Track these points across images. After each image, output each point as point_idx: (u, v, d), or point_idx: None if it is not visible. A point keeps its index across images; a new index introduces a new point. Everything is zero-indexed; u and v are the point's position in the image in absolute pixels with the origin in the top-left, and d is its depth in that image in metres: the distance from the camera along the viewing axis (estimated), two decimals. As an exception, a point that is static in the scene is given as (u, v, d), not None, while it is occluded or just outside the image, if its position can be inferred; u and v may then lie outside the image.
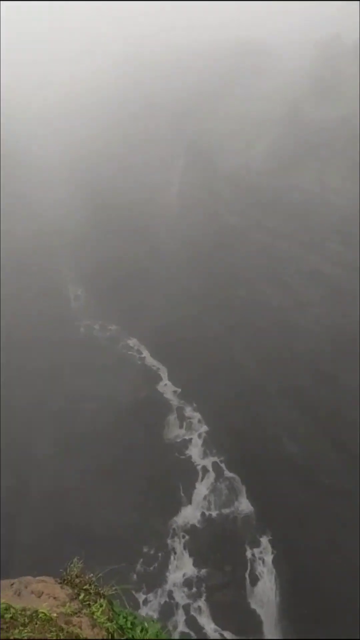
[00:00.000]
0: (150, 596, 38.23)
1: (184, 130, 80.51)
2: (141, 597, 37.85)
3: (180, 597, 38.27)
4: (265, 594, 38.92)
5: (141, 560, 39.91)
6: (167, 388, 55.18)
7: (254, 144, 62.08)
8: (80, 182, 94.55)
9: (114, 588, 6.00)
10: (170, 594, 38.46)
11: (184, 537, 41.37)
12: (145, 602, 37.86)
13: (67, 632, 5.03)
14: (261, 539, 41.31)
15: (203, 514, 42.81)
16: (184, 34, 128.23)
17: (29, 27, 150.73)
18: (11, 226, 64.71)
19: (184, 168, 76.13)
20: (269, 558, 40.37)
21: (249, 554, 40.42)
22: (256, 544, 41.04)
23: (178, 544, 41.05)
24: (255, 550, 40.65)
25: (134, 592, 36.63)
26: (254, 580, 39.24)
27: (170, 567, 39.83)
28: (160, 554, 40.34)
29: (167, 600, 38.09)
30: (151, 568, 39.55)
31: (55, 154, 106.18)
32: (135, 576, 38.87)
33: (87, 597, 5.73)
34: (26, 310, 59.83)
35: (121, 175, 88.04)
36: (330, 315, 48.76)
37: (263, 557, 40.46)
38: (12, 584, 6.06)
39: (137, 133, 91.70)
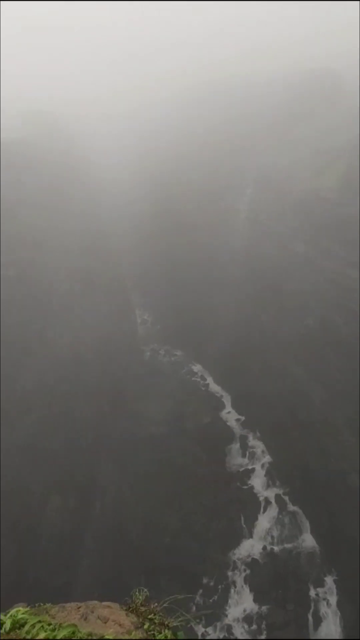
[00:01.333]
0: (209, 630, 37.30)
1: (254, 157, 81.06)
2: (200, 629, 37.02)
3: (240, 633, 37.08)
4: (328, 635, 37.01)
5: (200, 591, 39.17)
6: (230, 416, 54.70)
7: (324, 172, 61.48)
8: (149, 206, 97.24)
9: (179, 619, 5.98)
10: (229, 629, 37.38)
11: (244, 570, 40.27)
12: (204, 635, 36.97)
13: (133, 660, 5.06)
14: (326, 579, 39.51)
15: (264, 548, 41.60)
16: (259, 61, 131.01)
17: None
18: (82, 244, 66.93)
19: (253, 195, 76.43)
20: (333, 599, 38.49)
21: (312, 593, 38.71)
22: (320, 583, 39.28)
23: (239, 577, 40.02)
24: (320, 590, 38.89)
25: (193, 625, 35.89)
26: (317, 621, 37.42)
27: (230, 601, 38.83)
28: (220, 587, 39.46)
29: (226, 635, 37.02)
30: (210, 600, 38.69)
31: (124, 178, 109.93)
32: (194, 608, 38.13)
33: (152, 626, 5.77)
34: (94, 332, 61.42)
35: (190, 201, 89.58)
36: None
37: (327, 597, 38.62)
38: (79, 607, 6.19)
39: (207, 159, 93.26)
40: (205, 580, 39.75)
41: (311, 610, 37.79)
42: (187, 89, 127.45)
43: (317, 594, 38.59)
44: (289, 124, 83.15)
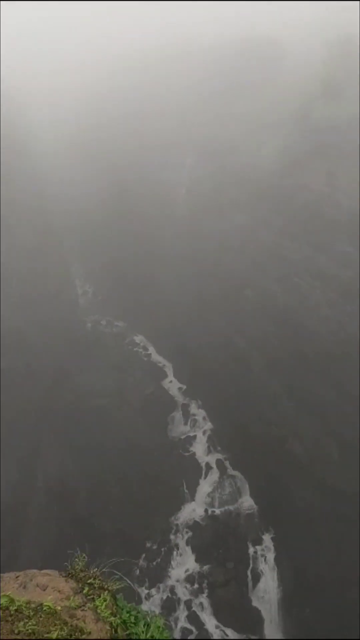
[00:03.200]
0: (153, 591, 38.52)
1: (193, 130, 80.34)
2: (144, 592, 38.16)
3: (183, 593, 38.53)
4: (266, 591, 39.11)
5: (144, 555, 40.23)
6: (172, 385, 55.39)
7: (263, 144, 61.92)
8: (89, 176, 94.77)
9: (117, 582, 6.14)
10: (172, 590, 38.74)
11: (186, 533, 41.62)
12: (148, 597, 38.16)
13: (71, 625, 5.18)
14: (264, 537, 41.50)
15: (206, 511, 43.04)
16: (188, 30, 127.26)
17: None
18: (16, 219, 64.85)
19: (193, 167, 76.06)
20: (271, 556, 40.55)
21: (251, 551, 40.62)
22: (259, 541, 41.23)
23: (181, 540, 41.32)
24: (258, 548, 40.85)
25: (136, 587, 36.94)
26: (256, 577, 39.43)
27: (173, 563, 40.12)
28: (163, 550, 40.64)
29: (170, 595, 38.37)
30: (154, 563, 39.84)
31: (62, 143, 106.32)
32: (137, 571, 39.19)
33: (92, 591, 5.87)
34: (32, 306, 60.04)
35: (130, 172, 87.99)
36: (338, 318, 48.66)
37: (265, 554, 40.64)
38: (17, 577, 6.22)
39: (145, 131, 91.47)
40: (148, 545, 40.81)
41: (250, 567, 39.72)
42: (120, 57, 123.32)
43: (255, 552, 40.55)
44: (229, 96, 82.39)
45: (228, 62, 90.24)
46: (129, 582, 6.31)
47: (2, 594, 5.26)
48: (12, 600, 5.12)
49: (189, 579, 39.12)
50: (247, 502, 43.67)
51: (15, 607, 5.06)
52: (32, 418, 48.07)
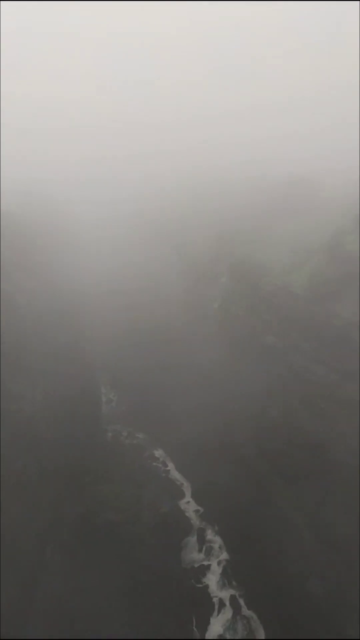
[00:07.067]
0: None
1: (230, 250, 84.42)
2: None
3: None
4: None
5: None
6: (189, 506, 52.94)
7: (296, 269, 64.28)
8: (117, 290, 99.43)
9: None
10: None
11: None
12: None
13: None
14: None
15: (215, 657, 38.93)
16: (242, 168, 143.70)
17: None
18: (50, 323, 67.25)
19: (227, 285, 78.85)
20: None
21: None
22: None
23: None
24: None
25: None
26: None
27: None
28: None
29: None
30: None
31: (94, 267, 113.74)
32: None
33: None
34: (57, 409, 60.18)
35: (161, 287, 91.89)
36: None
37: None
38: None
39: (190, 251, 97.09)
40: None
41: None
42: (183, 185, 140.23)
43: None
44: (269, 222, 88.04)
45: (270, 196, 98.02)
46: None
47: None
48: None
49: None
50: (261, 651, 39.40)
51: None
52: (39, 530, 46.15)
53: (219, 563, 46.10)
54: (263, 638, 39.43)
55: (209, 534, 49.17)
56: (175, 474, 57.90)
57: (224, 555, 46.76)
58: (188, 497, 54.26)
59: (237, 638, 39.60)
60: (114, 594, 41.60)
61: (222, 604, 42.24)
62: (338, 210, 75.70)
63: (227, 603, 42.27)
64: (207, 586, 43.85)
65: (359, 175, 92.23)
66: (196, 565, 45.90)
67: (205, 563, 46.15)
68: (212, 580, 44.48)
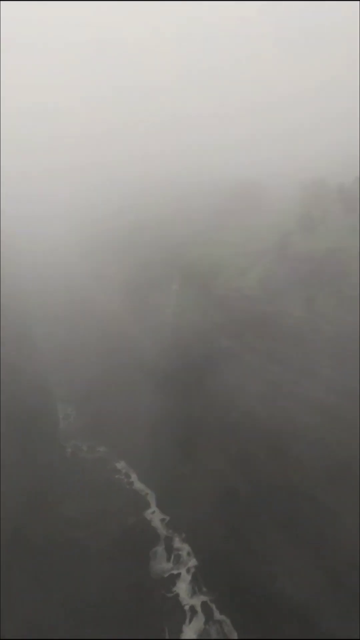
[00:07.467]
0: None
1: (181, 257, 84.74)
2: None
3: None
4: None
5: None
6: (155, 516, 52.12)
7: (247, 272, 65.01)
8: (73, 301, 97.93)
9: None
10: None
11: None
12: None
13: None
14: None
15: (190, 666, 38.16)
16: (187, 173, 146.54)
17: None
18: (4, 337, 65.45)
19: (179, 291, 78.95)
20: None
21: None
22: None
23: None
24: None
25: None
26: None
27: None
28: None
29: None
30: None
31: (50, 278, 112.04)
32: None
33: None
34: (11, 433, 58.38)
35: (113, 296, 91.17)
36: (326, 442, 47.61)
37: None
38: None
39: (137, 257, 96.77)
40: None
41: None
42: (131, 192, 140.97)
43: None
44: (220, 224, 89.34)
45: (217, 200, 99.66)
46: None
47: None
48: None
49: None
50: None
51: None
52: (2, 557, 44.33)
53: (188, 570, 45.46)
54: (237, 641, 39.03)
55: (177, 542, 48.51)
56: (139, 485, 57.00)
57: (193, 562, 46.18)
58: (153, 507, 53.45)
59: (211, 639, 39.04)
60: (83, 611, 40.32)
61: (193, 611, 41.59)
62: (283, 212, 77.40)
63: (199, 610, 41.66)
64: (177, 595, 43.12)
65: (300, 178, 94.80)
66: (166, 575, 45.11)
67: (175, 572, 45.44)
68: (183, 588, 43.80)
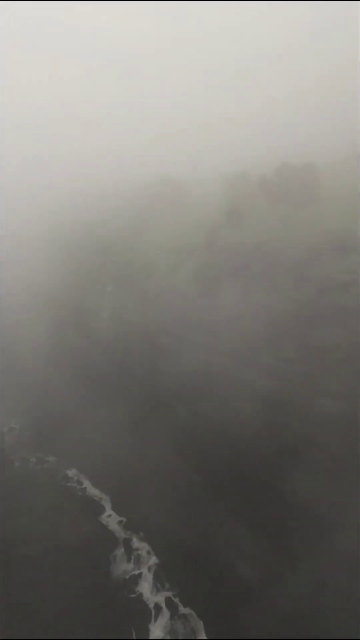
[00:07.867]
0: None
1: (112, 258, 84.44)
2: None
3: None
4: None
5: None
6: (111, 519, 52.09)
7: (179, 268, 65.83)
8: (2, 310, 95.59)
9: None
10: None
11: None
12: None
13: None
14: None
15: (160, 662, 38.67)
16: (108, 171, 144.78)
17: None
18: None
19: (114, 293, 78.77)
20: None
21: None
22: None
23: None
24: None
25: None
26: None
27: None
28: None
29: None
30: None
31: None
32: None
33: None
34: None
35: (50, 302, 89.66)
36: (269, 429, 49.26)
37: None
38: None
39: (66, 262, 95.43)
40: None
41: None
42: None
43: None
44: (147, 223, 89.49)
45: (142, 198, 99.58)
46: None
47: None
48: None
49: None
50: (203, 643, 39.74)
51: None
52: None
53: (149, 569, 45.85)
54: (203, 631, 39.91)
55: (135, 542, 48.75)
56: (92, 490, 56.66)
57: (154, 560, 46.61)
58: (109, 511, 53.37)
59: (179, 639, 39.65)
60: (44, 626, 39.83)
61: (158, 608, 42.06)
62: (208, 206, 78.69)
63: (164, 606, 42.17)
64: (141, 595, 43.43)
65: (222, 173, 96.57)
66: (127, 576, 45.30)
67: (136, 572, 45.70)
68: (146, 587, 44.15)
